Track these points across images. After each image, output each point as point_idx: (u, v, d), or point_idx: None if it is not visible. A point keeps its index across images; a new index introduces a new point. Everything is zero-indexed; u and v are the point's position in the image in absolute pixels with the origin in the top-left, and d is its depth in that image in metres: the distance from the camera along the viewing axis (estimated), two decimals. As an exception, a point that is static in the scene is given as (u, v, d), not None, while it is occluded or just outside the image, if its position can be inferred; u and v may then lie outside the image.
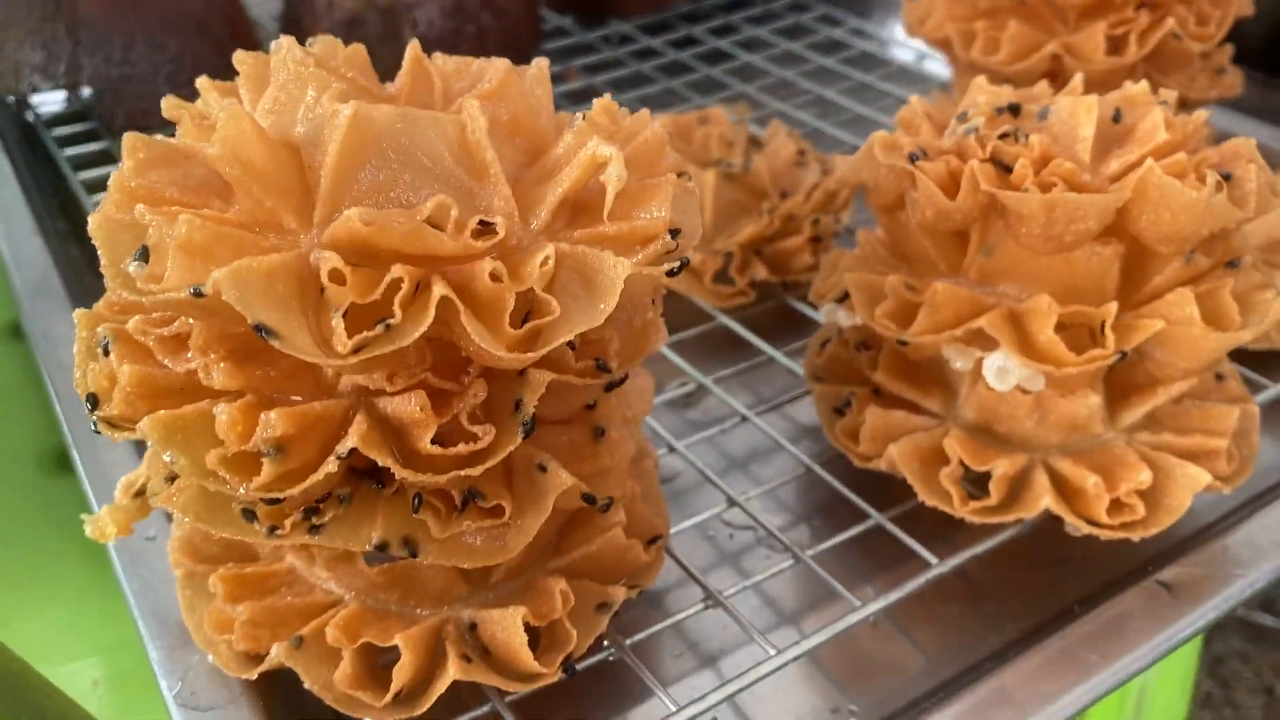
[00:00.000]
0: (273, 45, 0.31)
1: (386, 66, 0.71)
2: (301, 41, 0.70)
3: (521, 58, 0.74)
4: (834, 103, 0.72)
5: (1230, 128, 0.67)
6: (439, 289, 0.26)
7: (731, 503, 0.42)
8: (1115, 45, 0.52)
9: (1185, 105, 0.57)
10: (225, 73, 0.69)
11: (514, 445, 0.29)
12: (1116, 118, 0.39)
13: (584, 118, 0.31)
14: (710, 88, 0.75)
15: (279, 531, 0.30)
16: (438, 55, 0.35)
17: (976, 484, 0.39)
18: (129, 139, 0.30)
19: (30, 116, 0.71)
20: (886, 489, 0.41)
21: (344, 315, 0.26)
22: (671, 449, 0.44)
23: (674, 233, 0.30)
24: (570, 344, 0.30)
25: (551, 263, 0.27)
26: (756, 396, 0.50)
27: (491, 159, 0.29)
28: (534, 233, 0.29)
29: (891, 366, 0.41)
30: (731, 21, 0.85)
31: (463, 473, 0.28)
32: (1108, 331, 0.36)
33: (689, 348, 0.52)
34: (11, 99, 0.72)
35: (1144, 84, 0.40)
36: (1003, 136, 0.37)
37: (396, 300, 0.26)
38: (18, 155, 0.67)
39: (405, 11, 0.71)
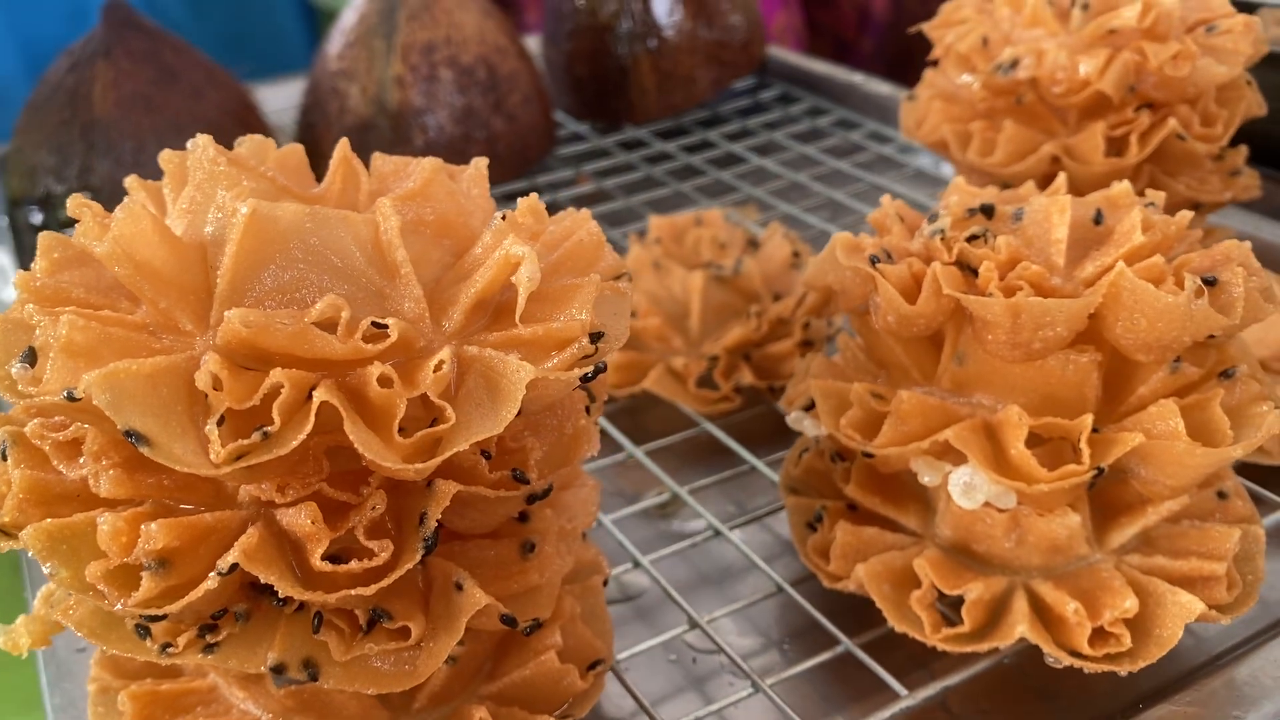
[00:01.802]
0: (188, 144, 0.30)
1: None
2: (317, 148, 0.70)
3: (533, 163, 0.75)
4: (845, 206, 0.70)
5: (1254, 232, 0.64)
6: (320, 394, 0.24)
7: (693, 624, 0.39)
8: (1115, 147, 0.50)
9: (1198, 209, 0.55)
10: None
11: (413, 562, 0.27)
12: (1098, 219, 0.37)
13: (504, 217, 0.29)
14: (720, 191, 0.75)
15: (171, 649, 0.28)
16: (378, 155, 0.34)
17: (955, 608, 0.36)
18: (44, 239, 0.30)
19: (38, 219, 0.72)
20: (865, 612, 0.39)
21: (221, 422, 0.24)
22: (636, 564, 0.42)
23: (595, 336, 0.28)
24: (485, 453, 0.29)
25: (447, 367, 0.26)
26: (739, 508, 0.47)
27: (402, 259, 0.28)
28: (446, 335, 0.28)
29: (864, 480, 0.39)
30: (748, 126, 0.85)
31: (354, 591, 0.27)
32: (1083, 446, 0.33)
33: (670, 455, 0.50)
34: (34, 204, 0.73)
35: (1125, 184, 0.38)
36: (971, 239, 0.35)
37: (275, 407, 0.24)
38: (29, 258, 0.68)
39: (415, 117, 0.72)
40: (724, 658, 0.40)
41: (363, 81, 0.72)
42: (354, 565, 0.27)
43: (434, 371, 0.25)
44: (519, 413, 0.28)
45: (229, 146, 0.73)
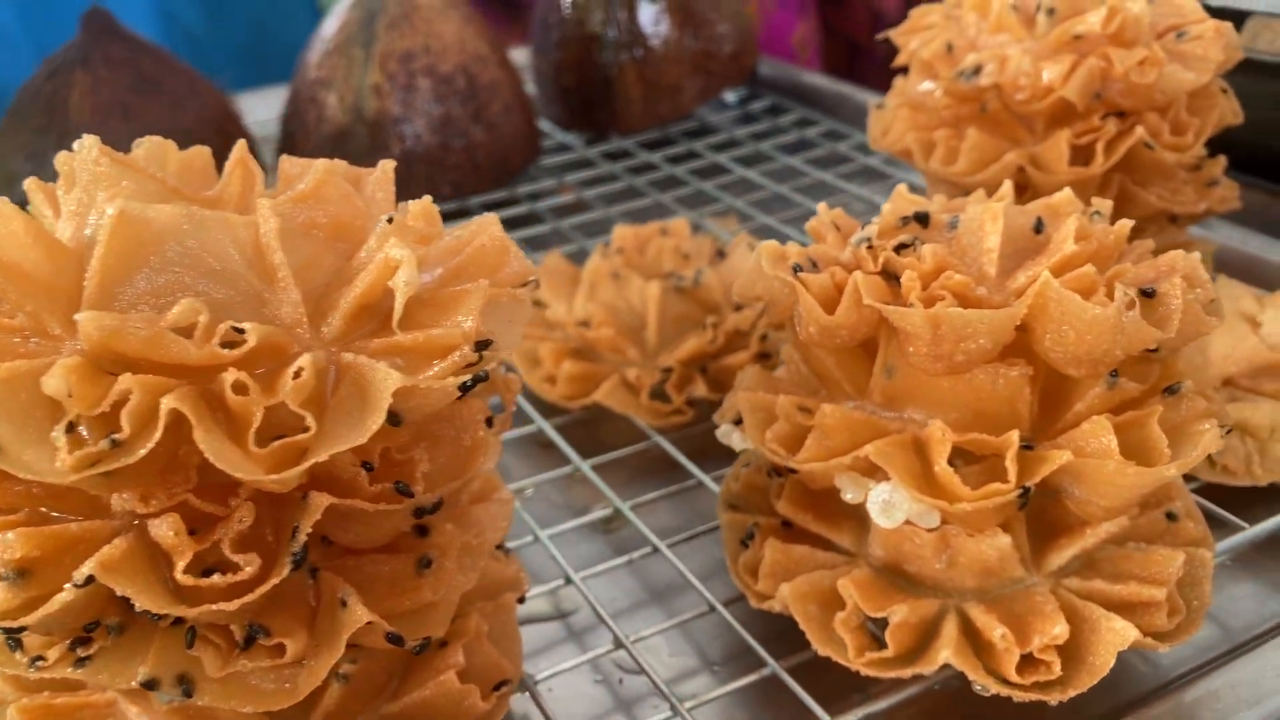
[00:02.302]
0: (74, 145, 0.30)
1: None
2: (301, 152, 0.70)
3: (515, 173, 0.74)
4: (825, 217, 0.69)
5: (1240, 246, 0.62)
6: (169, 402, 0.24)
7: (619, 644, 0.38)
8: (1081, 155, 0.48)
9: (1175, 220, 0.53)
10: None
11: (279, 577, 0.26)
12: (1038, 228, 0.35)
13: (389, 220, 0.28)
14: (701, 202, 0.73)
15: (41, 663, 0.27)
16: (286, 158, 0.33)
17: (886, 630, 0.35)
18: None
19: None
20: (801, 633, 0.37)
21: (68, 429, 0.24)
22: (568, 580, 0.41)
23: (482, 344, 0.27)
24: (366, 464, 0.28)
25: (306, 374, 0.25)
26: (685, 523, 0.46)
27: (280, 262, 0.27)
28: (325, 341, 0.27)
29: (796, 496, 0.38)
30: (736, 136, 0.84)
31: (217, 606, 0.26)
32: (1008, 464, 0.32)
33: (620, 469, 0.48)
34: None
35: (1067, 192, 0.36)
36: (899, 248, 0.34)
37: (125, 414, 0.24)
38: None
39: (392, 126, 0.71)
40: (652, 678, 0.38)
41: (340, 90, 0.72)
42: (217, 579, 0.26)
43: (293, 379, 0.24)
44: (405, 423, 0.28)
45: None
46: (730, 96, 0.92)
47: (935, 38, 0.50)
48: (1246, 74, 0.71)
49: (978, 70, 0.48)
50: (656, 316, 0.51)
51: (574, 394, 0.50)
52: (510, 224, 0.72)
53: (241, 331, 0.25)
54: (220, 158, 0.72)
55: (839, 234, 0.37)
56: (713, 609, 0.39)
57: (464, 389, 0.26)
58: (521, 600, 0.36)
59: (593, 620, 0.41)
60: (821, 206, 0.38)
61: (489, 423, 0.31)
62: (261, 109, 0.85)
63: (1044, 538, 0.36)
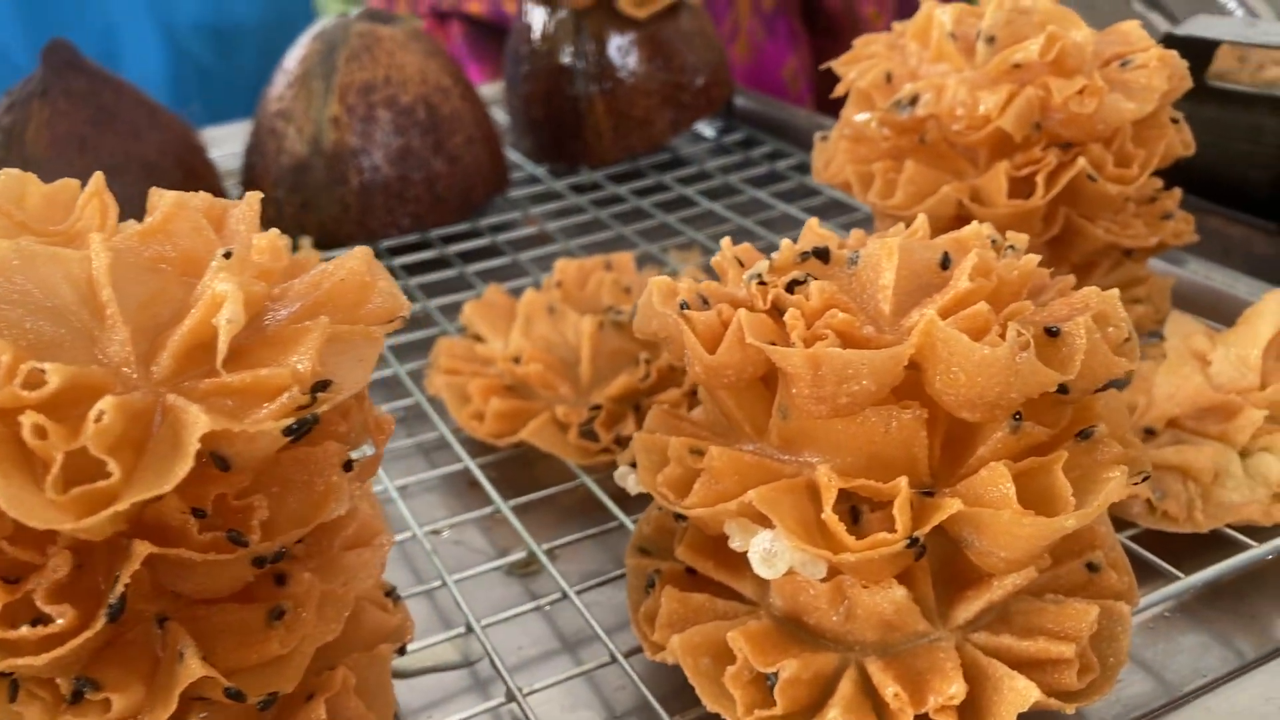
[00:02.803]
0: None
1: (330, 214, 0.71)
2: (257, 188, 0.69)
3: (478, 205, 0.73)
4: (787, 250, 0.68)
5: (1204, 280, 0.60)
6: (-42, 445, 0.22)
7: (510, 697, 0.36)
8: (1022, 188, 0.47)
9: (1130, 254, 0.52)
10: None
11: (91, 631, 0.25)
12: (945, 263, 0.34)
13: (227, 255, 0.27)
14: (665, 234, 0.72)
15: None
16: (155, 191, 0.32)
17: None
18: None
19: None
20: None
21: None
22: (469, 628, 0.39)
23: (320, 385, 0.26)
24: (198, 511, 0.26)
25: (109, 417, 0.23)
26: (608, 566, 0.45)
27: (108, 299, 0.26)
28: (154, 381, 0.26)
29: (696, 542, 0.36)
30: (706, 169, 0.82)
31: (23, 660, 0.24)
32: (895, 513, 0.30)
33: (545, 509, 0.47)
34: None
35: (976, 225, 0.35)
36: (792, 285, 0.32)
37: (-86, 457, 0.22)
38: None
39: (350, 157, 0.71)
40: (547, 733, 0.37)
41: (299, 122, 0.71)
42: (27, 631, 0.24)
43: (95, 422, 0.23)
44: (240, 468, 0.26)
45: (169, 186, 0.72)
46: (708, 130, 0.91)
47: (874, 67, 0.49)
48: (1221, 105, 0.70)
49: (914, 100, 0.47)
50: (590, 352, 0.50)
51: (501, 431, 0.49)
52: (471, 256, 0.71)
53: (44, 372, 0.23)
54: (182, 188, 0.71)
55: (741, 269, 0.36)
56: (614, 660, 0.37)
57: (290, 433, 0.25)
58: (402, 651, 0.34)
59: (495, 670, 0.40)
60: (725, 241, 0.37)
61: (348, 466, 0.30)
62: (233, 142, 0.84)
63: (952, 589, 0.34)
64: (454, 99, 0.74)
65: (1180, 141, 0.49)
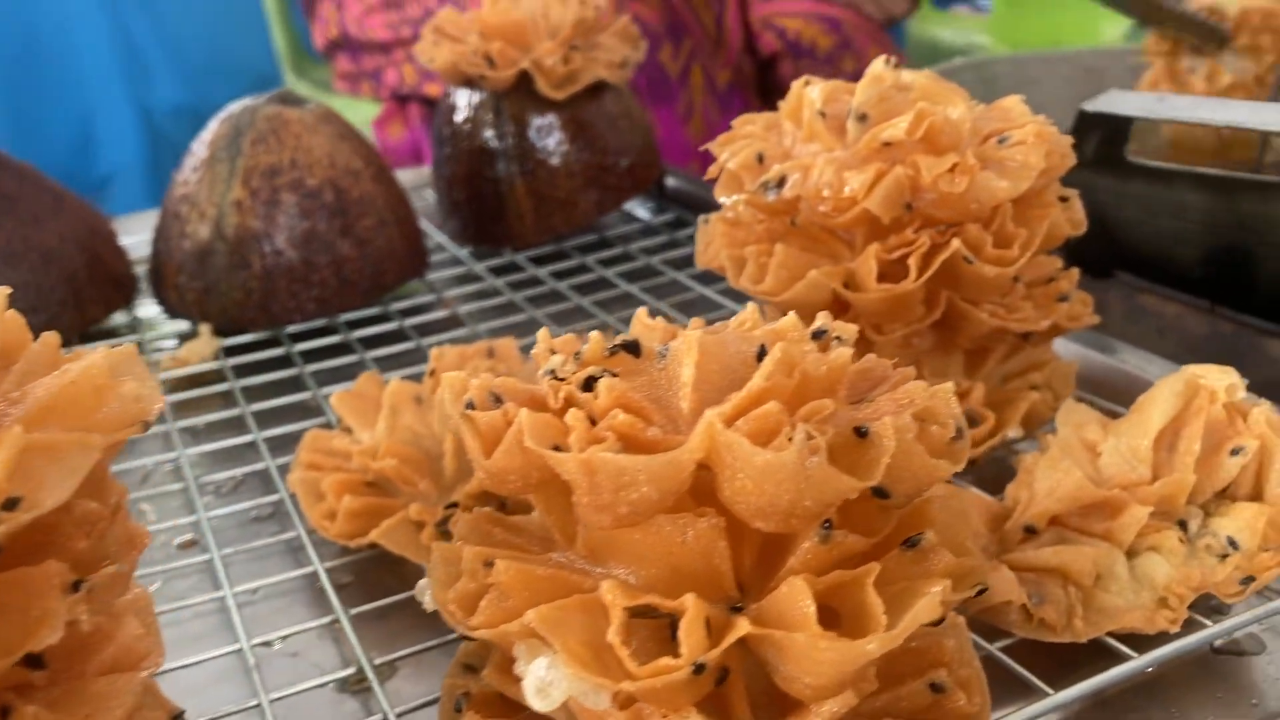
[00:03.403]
0: None
1: (233, 299, 0.69)
2: (161, 274, 0.67)
3: (389, 288, 0.71)
4: (699, 334, 0.65)
5: (1118, 364, 0.58)
6: None
7: (301, 832, 0.33)
8: (896, 271, 0.44)
9: (1028, 337, 0.49)
10: (77, 303, 0.67)
11: None
12: (761, 356, 0.31)
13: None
14: (577, 317, 0.70)
15: None
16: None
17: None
18: None
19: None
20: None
21: None
22: (276, 753, 0.36)
23: (9, 503, 0.23)
24: None
25: None
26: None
27: None
28: None
29: (503, 661, 0.33)
30: (629, 250, 0.81)
31: None
32: (681, 636, 0.27)
33: (395, 616, 0.44)
34: None
35: (792, 316, 0.32)
36: (589, 381, 0.30)
37: None
38: None
39: (253, 241, 0.69)
40: None
41: (203, 206, 0.70)
42: None
43: None
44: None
45: (68, 275, 0.69)
46: (641, 210, 0.90)
47: (747, 148, 0.47)
48: (1145, 181, 0.68)
49: (781, 182, 0.45)
50: (454, 446, 0.47)
51: (353, 532, 0.46)
52: (374, 342, 0.69)
53: None
54: (84, 275, 0.69)
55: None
56: (425, 790, 0.34)
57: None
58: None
59: (308, 798, 0.37)
60: (542, 332, 0.35)
61: (76, 586, 0.27)
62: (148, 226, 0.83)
63: (774, 715, 0.31)
64: (365, 181, 0.73)
65: (1068, 220, 0.46)
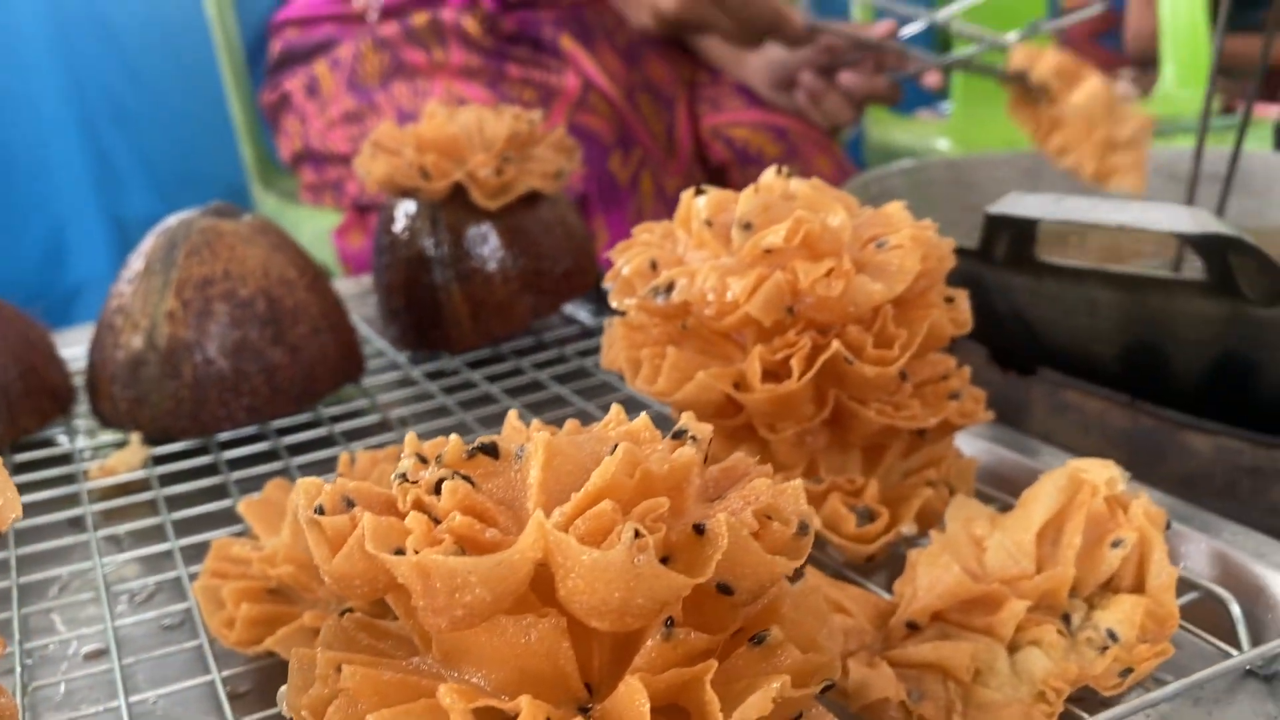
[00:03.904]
0: None
1: (164, 408, 0.69)
2: (96, 385, 0.68)
3: (322, 395, 0.72)
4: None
5: (1030, 462, 0.59)
6: None
7: None
8: (778, 372, 0.45)
9: (923, 434, 0.50)
10: (9, 414, 0.67)
11: None
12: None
13: None
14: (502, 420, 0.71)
15: None
16: None
17: None
18: None
19: None
20: None
21: None
22: None
23: None
24: None
25: None
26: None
27: None
28: None
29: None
30: (564, 354, 0.82)
31: None
32: (513, 737, 0.27)
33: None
34: None
35: (643, 417, 0.33)
36: (439, 484, 0.31)
37: None
38: None
39: (185, 351, 0.70)
40: None
41: (136, 317, 0.71)
42: None
43: None
44: None
45: (2, 384, 0.70)
46: (582, 313, 0.92)
47: (641, 254, 0.49)
48: (1057, 279, 0.69)
49: (670, 288, 0.46)
50: (356, 551, 0.47)
51: (251, 640, 0.46)
52: (302, 448, 0.69)
53: None
54: (24, 386, 0.69)
55: (416, 464, 0.34)
56: None
57: None
58: None
59: None
60: (409, 437, 0.35)
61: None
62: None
63: (625, 816, 0.31)
64: (299, 291, 0.74)
65: (951, 321, 0.48)
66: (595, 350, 0.82)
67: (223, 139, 1.76)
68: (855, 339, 0.45)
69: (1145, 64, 2.83)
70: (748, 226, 0.46)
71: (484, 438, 0.33)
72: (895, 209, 0.48)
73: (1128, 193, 0.86)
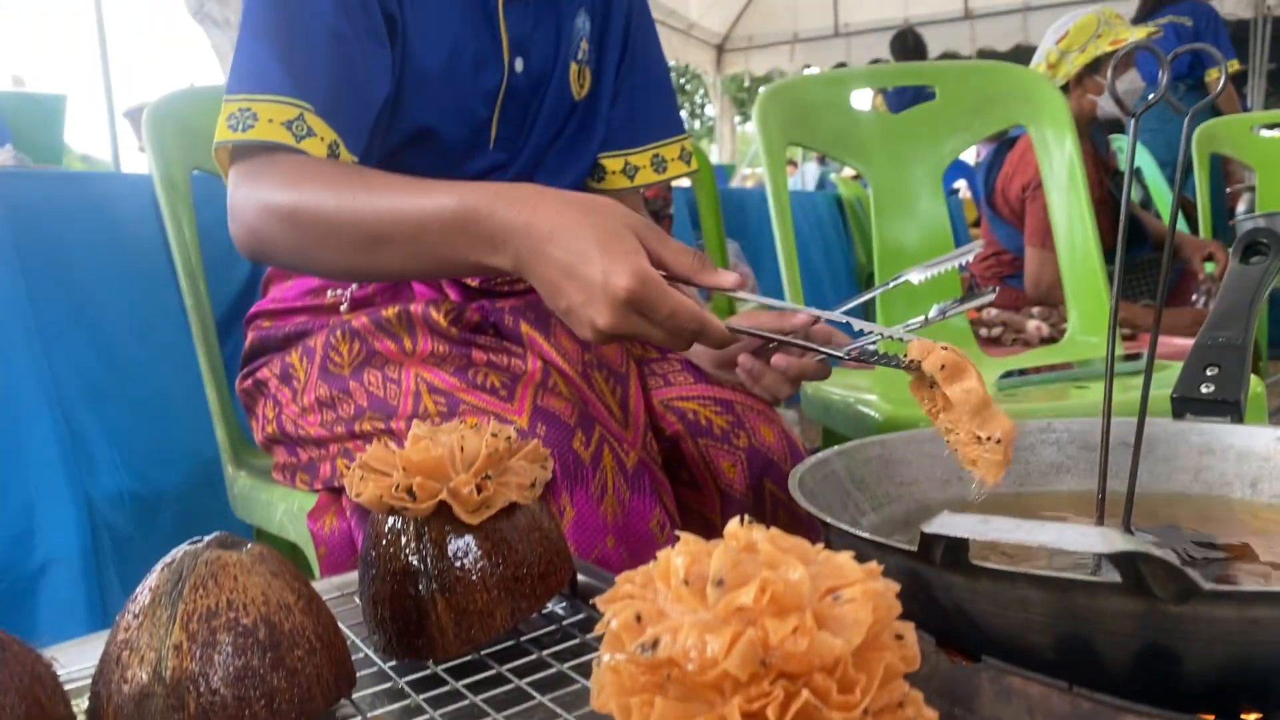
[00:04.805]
0: None
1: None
2: (104, 714, 0.71)
3: (319, 712, 0.75)
4: None
5: None
6: None
7: None
8: (754, 716, 0.51)
9: None
10: None
11: None
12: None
13: None
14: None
15: None
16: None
17: None
18: None
19: None
20: None
21: None
22: None
23: None
24: None
25: None
26: None
27: None
28: None
29: None
30: (543, 658, 0.87)
31: None
32: None
33: None
34: None
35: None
36: None
37: None
38: None
39: (189, 683, 0.74)
40: None
41: (143, 651, 0.75)
42: None
43: None
44: None
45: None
46: (557, 607, 0.97)
47: (626, 609, 0.55)
48: (992, 580, 0.77)
49: (655, 643, 0.53)
50: None
51: None
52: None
53: None
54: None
55: None
56: None
57: None
58: None
59: None
60: None
61: None
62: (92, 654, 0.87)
63: None
64: (296, 614, 0.79)
65: (902, 659, 0.55)
66: (573, 653, 0.87)
67: (197, 415, 1.82)
68: (821, 685, 0.51)
69: (1052, 304, 3.04)
70: (720, 583, 0.53)
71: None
72: (845, 560, 0.56)
73: (990, 488, 0.97)
